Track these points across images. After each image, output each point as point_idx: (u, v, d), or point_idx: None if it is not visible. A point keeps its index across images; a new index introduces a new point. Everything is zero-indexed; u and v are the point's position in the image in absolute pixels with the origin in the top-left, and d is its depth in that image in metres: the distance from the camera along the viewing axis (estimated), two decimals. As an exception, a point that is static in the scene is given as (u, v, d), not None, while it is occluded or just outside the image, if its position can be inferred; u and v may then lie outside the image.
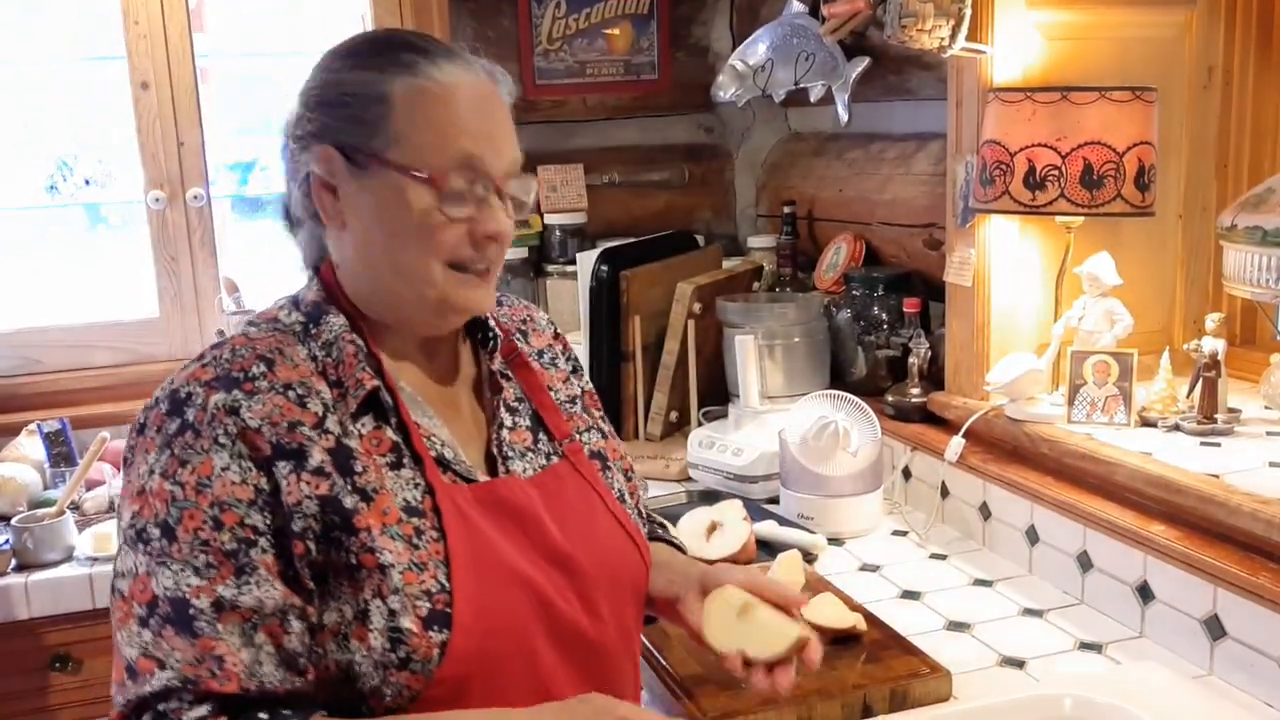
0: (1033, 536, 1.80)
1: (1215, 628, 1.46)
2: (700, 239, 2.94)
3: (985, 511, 1.91)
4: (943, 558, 1.90)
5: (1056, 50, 1.88)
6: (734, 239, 3.08)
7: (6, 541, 2.05)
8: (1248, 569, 1.40)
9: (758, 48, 2.44)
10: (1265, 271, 1.60)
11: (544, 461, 1.19)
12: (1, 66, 2.62)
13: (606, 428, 1.31)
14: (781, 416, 2.14)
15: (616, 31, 2.91)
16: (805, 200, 2.78)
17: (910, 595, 1.76)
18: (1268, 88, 1.99)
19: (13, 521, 2.07)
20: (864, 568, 1.87)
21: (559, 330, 1.36)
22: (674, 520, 1.69)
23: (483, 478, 1.12)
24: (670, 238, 2.75)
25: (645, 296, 2.45)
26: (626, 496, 1.27)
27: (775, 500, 2.13)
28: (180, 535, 0.97)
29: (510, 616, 1.06)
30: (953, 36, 1.83)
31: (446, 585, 1.02)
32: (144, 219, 2.64)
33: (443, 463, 1.10)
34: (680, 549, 1.39)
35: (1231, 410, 1.75)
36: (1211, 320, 1.75)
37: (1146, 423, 1.77)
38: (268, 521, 0.99)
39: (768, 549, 1.89)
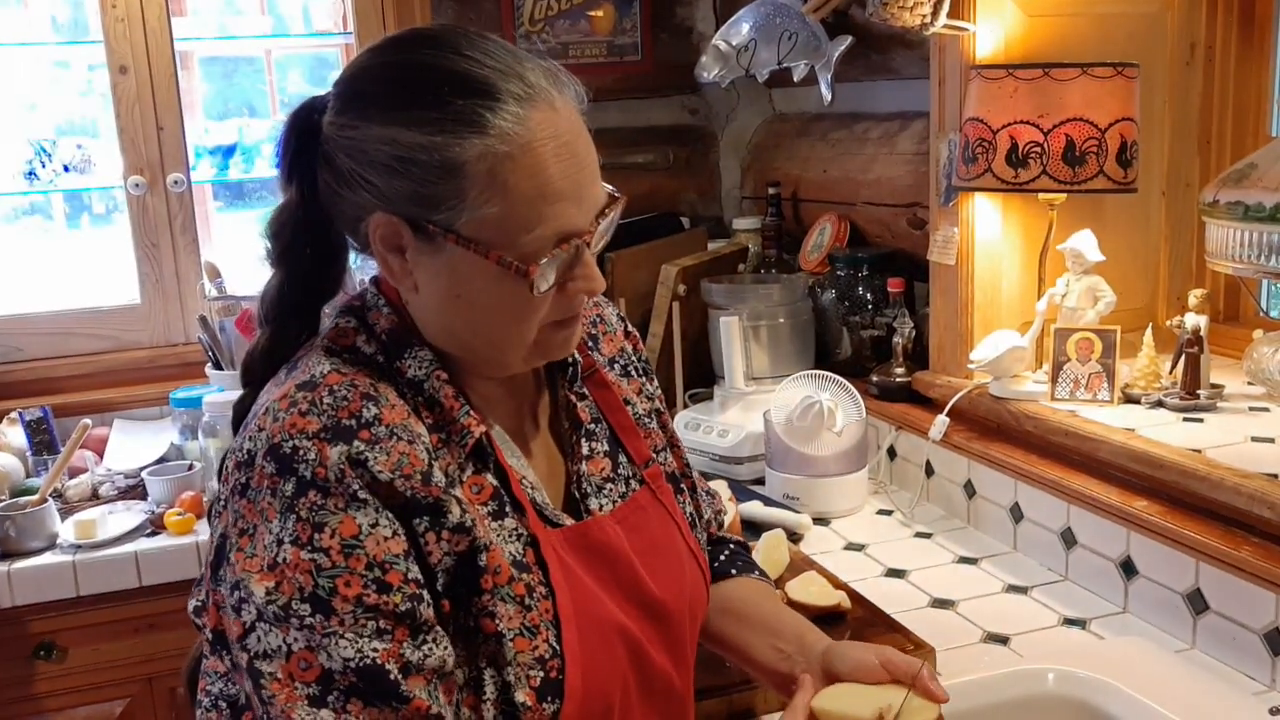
0: (1017, 514, 1.80)
1: (1198, 602, 1.47)
2: (685, 221, 2.93)
3: (970, 490, 1.92)
4: (927, 536, 1.90)
5: (1039, 27, 1.87)
6: (719, 221, 3.07)
7: (-12, 530, 2.04)
8: (1230, 543, 1.41)
9: (741, 27, 2.43)
10: (1247, 247, 1.60)
11: (623, 489, 1.10)
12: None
13: (677, 438, 1.23)
14: (767, 397, 2.13)
15: (599, 13, 2.89)
16: (790, 181, 2.77)
17: (895, 573, 1.76)
18: (1250, 64, 1.99)
19: (-6, 509, 2.06)
20: (849, 547, 1.87)
21: (629, 325, 1.24)
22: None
23: (566, 519, 1.03)
24: (655, 220, 2.74)
25: (630, 279, 2.44)
26: (697, 521, 1.20)
27: (761, 481, 2.13)
28: (338, 606, 0.87)
29: (611, 674, 1.00)
30: (934, 13, 1.82)
31: (557, 648, 0.95)
32: (124, 205, 2.62)
33: (536, 507, 1.01)
34: (766, 576, 1.29)
35: (1214, 386, 1.75)
36: (1194, 296, 1.75)
37: (1130, 399, 1.78)
38: (420, 576, 0.91)
39: (753, 529, 1.88)
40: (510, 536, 0.97)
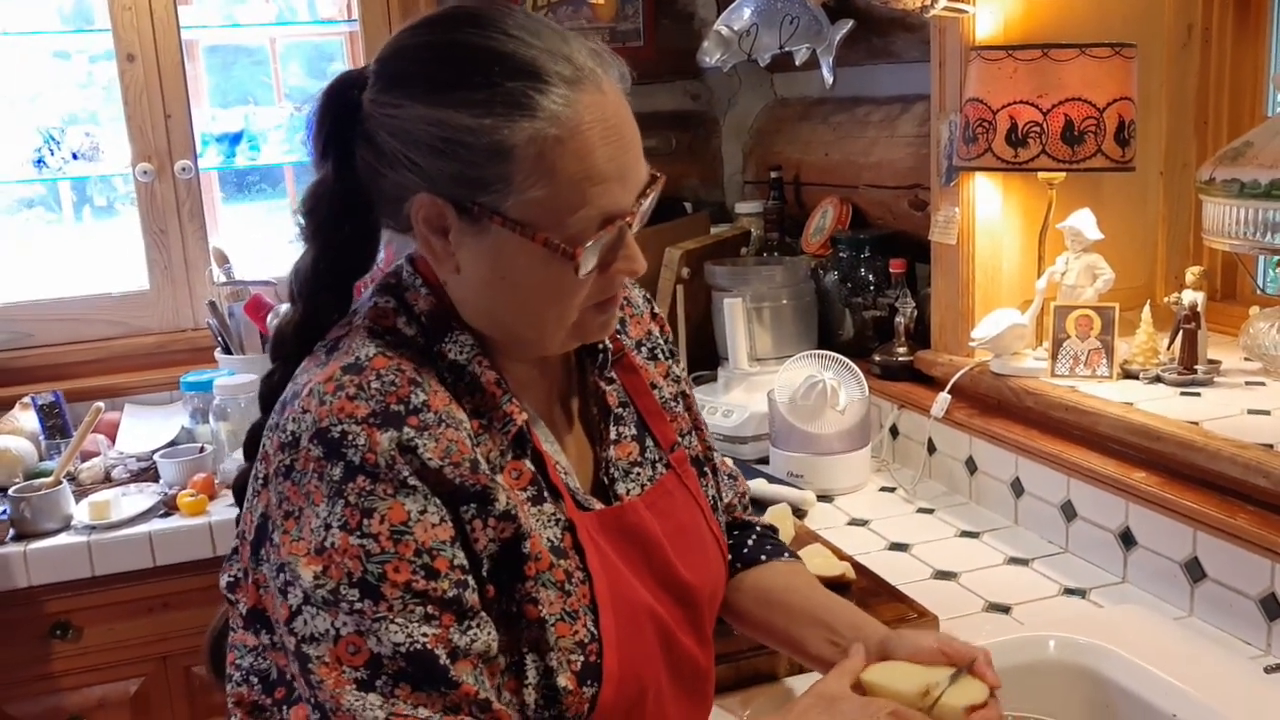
0: (1018, 488, 1.83)
1: (1195, 570, 1.50)
2: (688, 206, 2.96)
3: (971, 466, 1.94)
4: (930, 511, 1.93)
5: (1037, 8, 1.89)
6: (721, 206, 3.09)
7: (4, 511, 2.07)
8: (1226, 511, 1.44)
9: (743, 12, 2.45)
10: (1243, 224, 1.62)
11: (650, 473, 1.10)
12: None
13: (702, 421, 1.24)
14: (770, 378, 2.16)
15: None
16: (792, 165, 2.79)
17: (898, 547, 1.79)
18: (1246, 45, 2.01)
19: (10, 492, 2.09)
20: (852, 522, 1.90)
21: (655, 307, 1.25)
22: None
23: (596, 504, 1.04)
24: (658, 205, 2.76)
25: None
26: (719, 503, 1.21)
27: (765, 460, 2.16)
28: (387, 592, 0.87)
29: (645, 657, 1.02)
30: (935, -4, 1.84)
31: (595, 633, 0.97)
32: (131, 197, 2.65)
33: (569, 492, 1.02)
34: (797, 557, 1.29)
35: (1211, 361, 1.77)
36: (1191, 273, 1.78)
37: (1128, 375, 1.80)
38: (465, 562, 0.92)
39: (758, 506, 1.91)
40: (549, 522, 0.98)
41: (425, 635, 0.88)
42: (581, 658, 0.95)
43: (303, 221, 1.03)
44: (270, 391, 1.03)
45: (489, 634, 0.92)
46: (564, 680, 0.94)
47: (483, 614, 0.92)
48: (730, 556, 1.22)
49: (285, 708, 0.98)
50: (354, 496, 0.88)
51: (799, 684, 1.37)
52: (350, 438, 0.88)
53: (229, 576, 1.03)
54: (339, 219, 1.01)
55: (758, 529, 1.30)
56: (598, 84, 0.94)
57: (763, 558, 1.24)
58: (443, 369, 0.97)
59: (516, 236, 0.93)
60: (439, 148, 0.92)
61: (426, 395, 0.93)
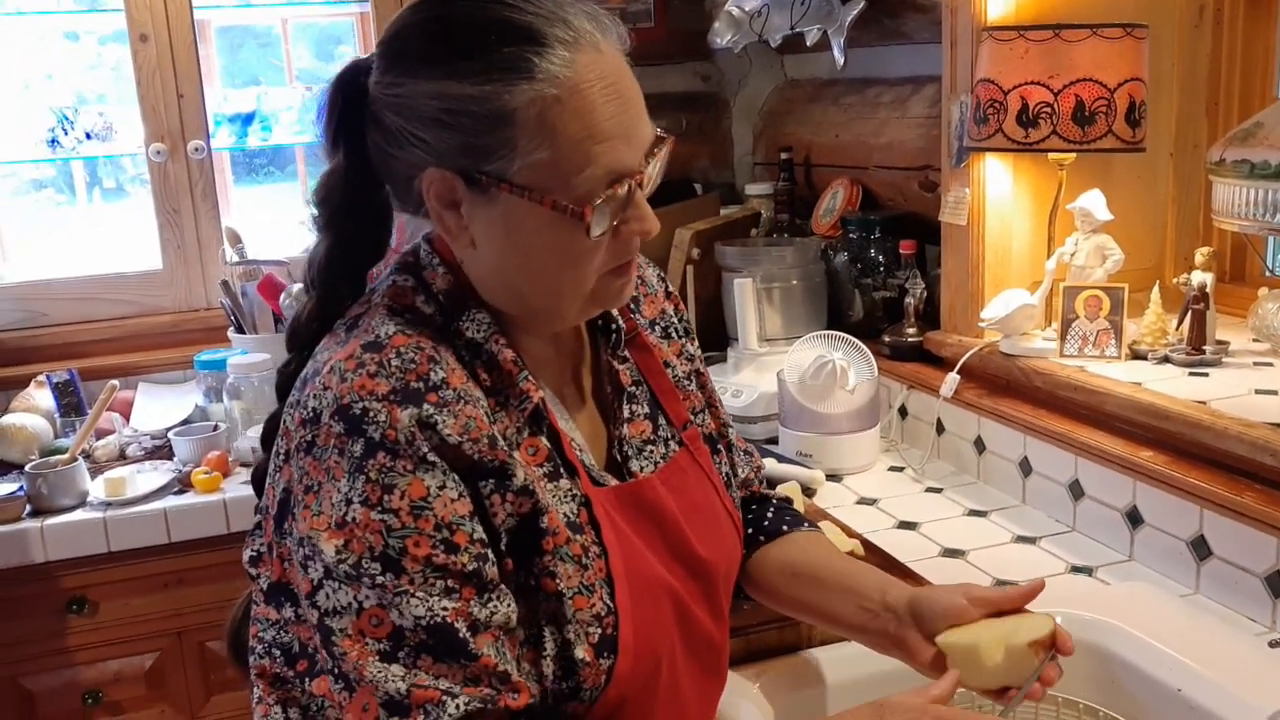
0: (1026, 468, 1.84)
1: (1201, 548, 1.51)
2: (698, 187, 2.97)
3: (980, 445, 1.96)
4: (938, 491, 1.94)
5: (1049, -12, 1.90)
6: (732, 187, 3.10)
7: (21, 488, 2.09)
8: (1233, 489, 1.45)
9: (753, -7, 2.46)
10: (1253, 205, 1.63)
11: (664, 451, 1.12)
12: (1, 19, 2.63)
13: (716, 398, 1.26)
14: (780, 358, 2.17)
15: (612, -20, 2.92)
16: (802, 146, 2.80)
17: (906, 525, 1.80)
18: (1257, 26, 2.01)
19: (27, 468, 2.11)
20: (861, 501, 1.92)
21: (670, 286, 1.26)
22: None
23: (611, 480, 1.06)
24: (668, 186, 2.75)
25: (644, 243, 2.48)
26: (733, 480, 1.22)
27: (775, 440, 2.17)
28: (408, 565, 0.89)
29: (660, 631, 1.03)
30: (947, -24, 1.84)
31: (611, 605, 0.98)
32: (144, 178, 2.67)
33: (584, 469, 1.03)
34: (816, 527, 1.31)
35: (1220, 342, 1.78)
36: (1200, 254, 1.79)
37: (1137, 355, 1.81)
38: (484, 536, 0.93)
39: (767, 484, 1.92)
40: (565, 497, 1.00)
41: (446, 609, 0.89)
42: (599, 630, 0.97)
43: (316, 211, 1.04)
44: (286, 382, 1.04)
45: (508, 606, 0.93)
46: (581, 652, 0.96)
47: (502, 587, 0.94)
48: (751, 530, 1.24)
49: (307, 680, 0.99)
50: (374, 472, 0.89)
51: (811, 657, 1.39)
52: (371, 414, 0.90)
53: (251, 551, 1.05)
54: (351, 207, 1.03)
55: (774, 502, 1.32)
56: (595, 45, 0.95)
57: (784, 528, 1.26)
58: (460, 347, 0.98)
59: (525, 202, 0.94)
60: (442, 120, 0.93)
61: (445, 373, 0.94)
